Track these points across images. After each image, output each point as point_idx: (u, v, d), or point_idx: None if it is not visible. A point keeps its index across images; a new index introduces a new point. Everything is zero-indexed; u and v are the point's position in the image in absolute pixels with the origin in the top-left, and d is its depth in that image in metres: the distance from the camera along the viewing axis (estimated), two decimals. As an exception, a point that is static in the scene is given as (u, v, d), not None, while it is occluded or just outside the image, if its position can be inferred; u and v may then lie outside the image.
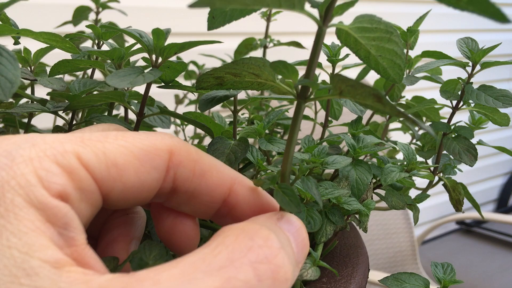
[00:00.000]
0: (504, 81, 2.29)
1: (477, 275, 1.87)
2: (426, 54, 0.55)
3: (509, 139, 2.36)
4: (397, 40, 0.24)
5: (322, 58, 0.41)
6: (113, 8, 0.72)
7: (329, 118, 0.51)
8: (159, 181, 0.24)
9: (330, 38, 0.37)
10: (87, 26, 0.38)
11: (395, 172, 0.41)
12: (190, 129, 0.79)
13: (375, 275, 1.26)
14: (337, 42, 0.34)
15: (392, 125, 0.70)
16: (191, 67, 0.80)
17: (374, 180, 0.45)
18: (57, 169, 0.20)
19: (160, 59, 0.30)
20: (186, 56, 0.84)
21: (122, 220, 0.28)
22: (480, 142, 0.60)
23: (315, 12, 0.23)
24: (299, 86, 0.24)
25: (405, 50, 0.59)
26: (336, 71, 0.51)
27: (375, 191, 0.46)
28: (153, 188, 0.24)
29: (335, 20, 0.24)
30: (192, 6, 0.17)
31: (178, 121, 0.58)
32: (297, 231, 0.24)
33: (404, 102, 0.66)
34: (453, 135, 0.52)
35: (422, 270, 1.77)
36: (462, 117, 0.61)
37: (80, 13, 0.76)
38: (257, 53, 0.71)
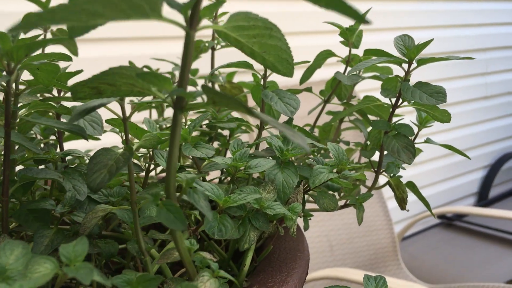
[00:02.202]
0: (467, 77, 2.31)
1: (459, 268, 1.88)
2: (368, 52, 0.55)
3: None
4: (278, 35, 0.24)
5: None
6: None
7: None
8: None
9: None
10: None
11: (324, 174, 0.41)
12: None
13: (356, 274, 1.25)
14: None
15: (346, 125, 0.69)
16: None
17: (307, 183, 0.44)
18: None
19: (12, 64, 0.29)
20: (138, 60, 0.83)
21: None
22: (427, 141, 0.59)
23: (178, 17, 0.22)
24: (175, 96, 0.23)
25: (347, 49, 0.58)
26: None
27: (309, 192, 0.45)
28: None
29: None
30: (16, 29, 0.17)
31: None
32: None
33: (355, 102, 0.65)
34: (393, 133, 0.51)
35: (403, 266, 1.78)
36: (413, 117, 0.60)
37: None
38: (207, 55, 0.70)
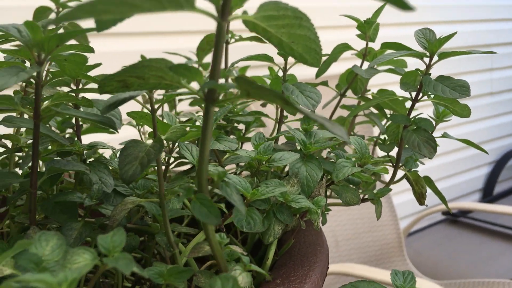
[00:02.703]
0: (477, 72, 2.30)
1: (464, 265, 1.88)
2: (385, 45, 0.54)
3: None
4: (308, 25, 0.23)
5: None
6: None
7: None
8: None
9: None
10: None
11: (347, 167, 0.40)
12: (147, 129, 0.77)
13: (362, 269, 1.25)
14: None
15: (361, 118, 0.69)
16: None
17: (329, 176, 0.44)
18: None
19: (43, 55, 0.29)
20: (149, 55, 0.82)
21: None
22: (445, 135, 0.59)
23: (209, 7, 0.22)
24: (206, 89, 0.23)
25: (364, 42, 0.58)
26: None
27: (331, 187, 0.45)
28: None
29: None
30: (57, 21, 0.16)
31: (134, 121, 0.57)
32: None
33: (370, 96, 0.65)
34: (413, 128, 0.51)
35: (409, 261, 1.77)
36: (428, 111, 0.60)
37: (40, 14, 0.74)
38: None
